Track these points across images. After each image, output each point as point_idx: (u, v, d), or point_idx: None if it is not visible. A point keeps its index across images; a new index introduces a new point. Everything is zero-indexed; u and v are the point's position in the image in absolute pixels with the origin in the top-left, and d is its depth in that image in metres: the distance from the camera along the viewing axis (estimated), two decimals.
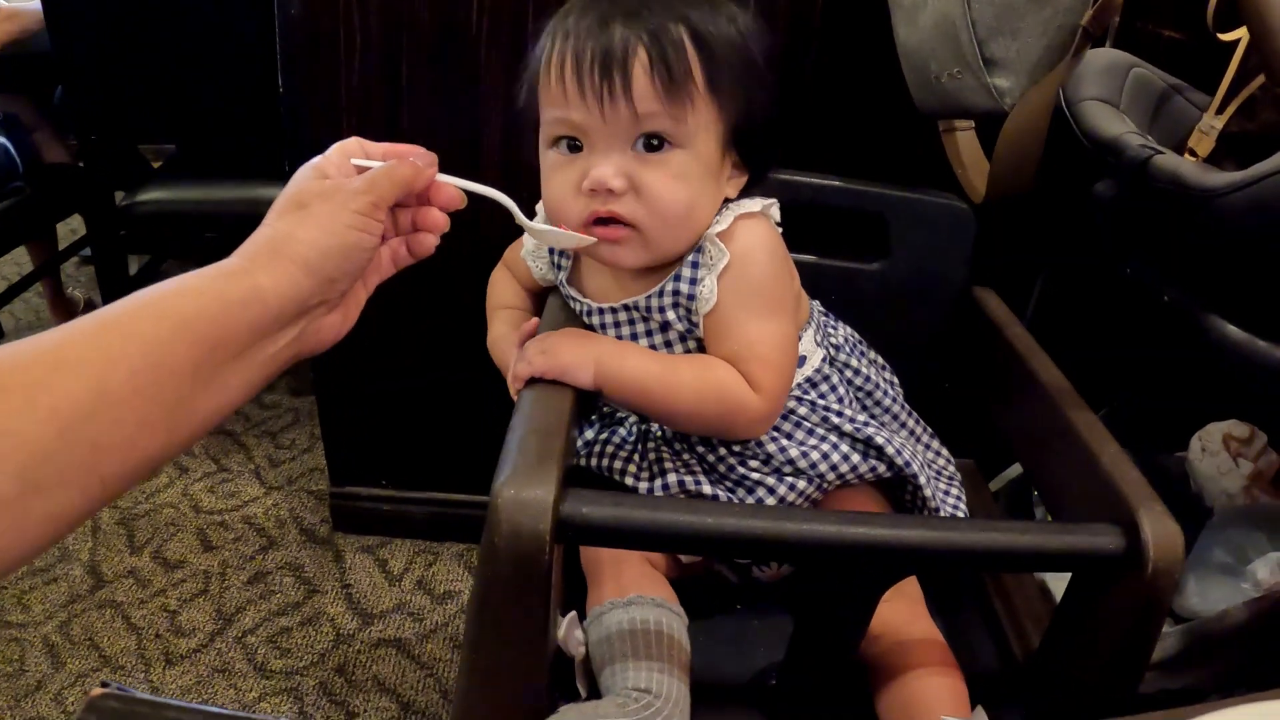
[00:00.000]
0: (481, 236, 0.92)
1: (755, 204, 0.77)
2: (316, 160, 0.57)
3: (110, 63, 1.64)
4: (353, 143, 0.59)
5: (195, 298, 0.47)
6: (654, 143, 0.70)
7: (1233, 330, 1.12)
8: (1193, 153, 1.11)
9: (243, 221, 1.69)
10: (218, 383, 0.47)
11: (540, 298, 0.89)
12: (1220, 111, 1.08)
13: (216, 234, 1.75)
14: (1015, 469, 1.35)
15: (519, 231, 0.73)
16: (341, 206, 0.53)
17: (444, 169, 0.62)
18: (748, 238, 0.75)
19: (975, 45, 0.91)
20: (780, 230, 0.79)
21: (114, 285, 1.80)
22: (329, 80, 1.24)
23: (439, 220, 0.62)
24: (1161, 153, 1.04)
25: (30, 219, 1.86)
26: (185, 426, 0.46)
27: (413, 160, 0.59)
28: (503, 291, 0.91)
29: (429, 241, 0.63)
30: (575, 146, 0.72)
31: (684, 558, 0.82)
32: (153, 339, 0.44)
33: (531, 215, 0.75)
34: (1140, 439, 1.54)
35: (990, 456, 1.11)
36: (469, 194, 0.64)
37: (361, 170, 0.57)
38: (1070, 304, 1.43)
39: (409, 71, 1.24)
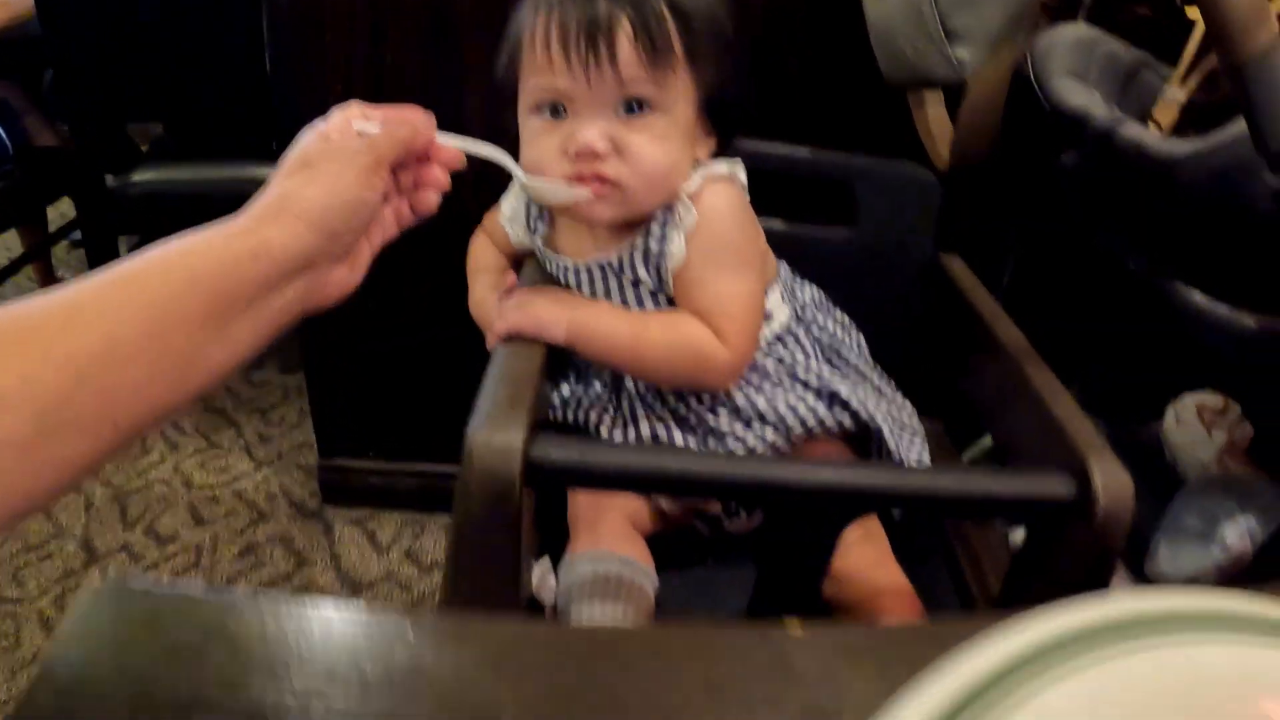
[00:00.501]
0: (465, 200, 0.96)
1: (723, 166, 0.82)
2: (319, 125, 0.60)
3: (100, 45, 1.68)
4: (353, 107, 0.62)
5: (204, 253, 0.49)
6: (635, 107, 0.75)
7: (1198, 297, 1.17)
8: (1157, 124, 1.15)
9: (234, 201, 1.73)
10: (227, 334, 0.49)
11: (518, 263, 0.93)
12: (1183, 83, 1.13)
13: (208, 215, 1.78)
14: (987, 440, 1.39)
15: (499, 195, 0.77)
16: (345, 165, 0.56)
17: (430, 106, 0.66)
18: (714, 198, 0.79)
19: (937, 18, 0.95)
20: (746, 191, 0.84)
21: (103, 262, 1.84)
22: (316, 59, 1.28)
23: (440, 178, 0.65)
24: (1126, 123, 1.09)
25: (20, 203, 1.91)
26: (196, 376, 0.48)
27: (411, 121, 0.62)
28: (482, 256, 0.95)
29: (431, 199, 0.66)
30: (558, 112, 0.76)
31: (662, 510, 0.87)
32: (164, 292, 0.46)
33: (499, 183, 0.79)
34: (1116, 411, 1.59)
35: (958, 421, 1.16)
36: (468, 154, 0.67)
37: (362, 134, 0.60)
38: (1044, 276, 1.48)
39: (394, 51, 1.28)
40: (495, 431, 0.65)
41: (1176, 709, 0.25)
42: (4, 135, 1.84)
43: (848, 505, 0.74)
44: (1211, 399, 1.52)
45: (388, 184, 0.61)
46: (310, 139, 0.59)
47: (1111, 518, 0.70)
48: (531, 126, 0.78)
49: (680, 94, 0.76)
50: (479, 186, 0.87)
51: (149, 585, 0.42)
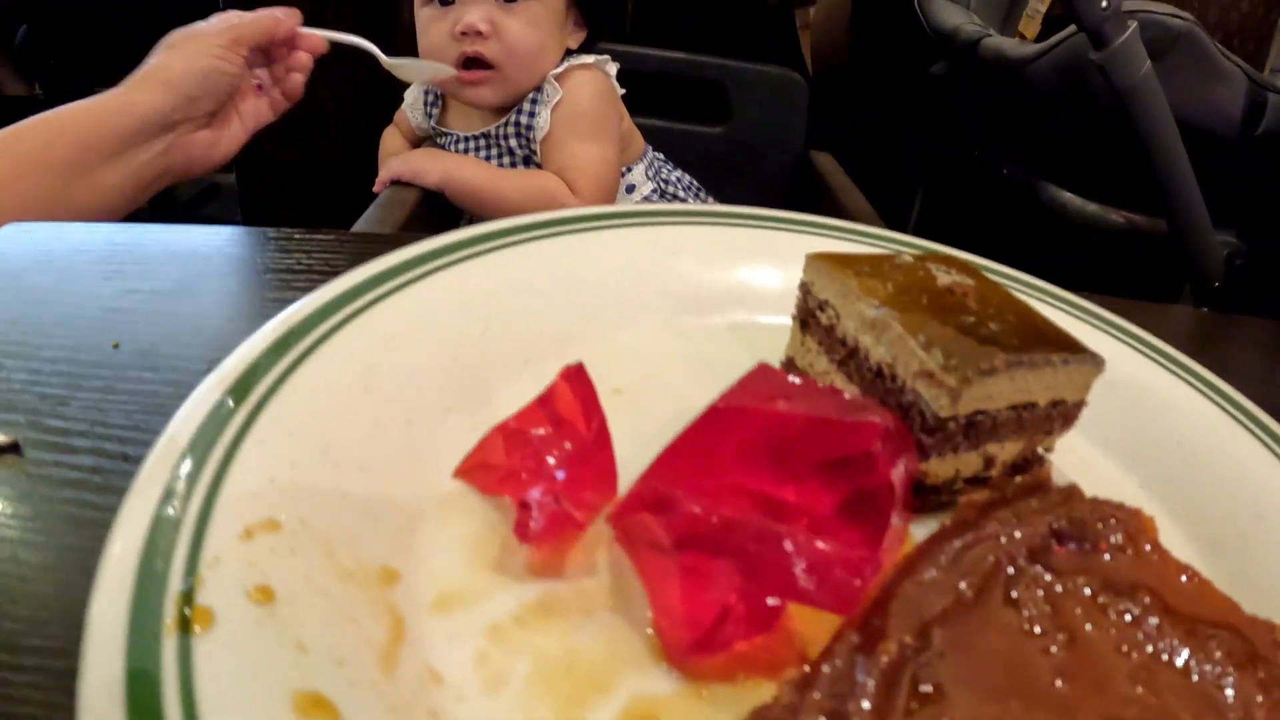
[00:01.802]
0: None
1: (590, 58, 0.96)
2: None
3: (76, 8, 1.84)
4: (230, 14, 0.74)
5: (75, 111, 0.61)
6: None
7: (1066, 196, 1.30)
8: (1022, 36, 1.29)
9: None
10: (93, 180, 0.60)
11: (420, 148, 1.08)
12: None
13: None
14: None
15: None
16: (205, 42, 0.69)
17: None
18: (580, 78, 0.94)
19: None
20: (614, 81, 0.98)
21: None
22: None
23: (302, 60, 0.78)
24: (990, 35, 1.23)
25: None
26: (64, 213, 0.58)
27: (274, 13, 0.74)
28: (389, 143, 1.10)
29: (296, 81, 0.78)
30: (446, 1, 0.91)
31: None
32: (35, 138, 0.57)
33: None
34: None
35: None
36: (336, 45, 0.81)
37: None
38: (952, 209, 1.61)
39: None
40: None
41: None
42: None
43: None
44: None
45: (263, 78, 0.74)
46: (182, 30, 0.71)
47: None
48: (423, 16, 0.93)
49: None
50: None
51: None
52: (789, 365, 0.36)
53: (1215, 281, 1.28)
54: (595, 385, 0.31)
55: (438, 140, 1.02)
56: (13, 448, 0.34)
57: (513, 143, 0.96)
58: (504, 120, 0.95)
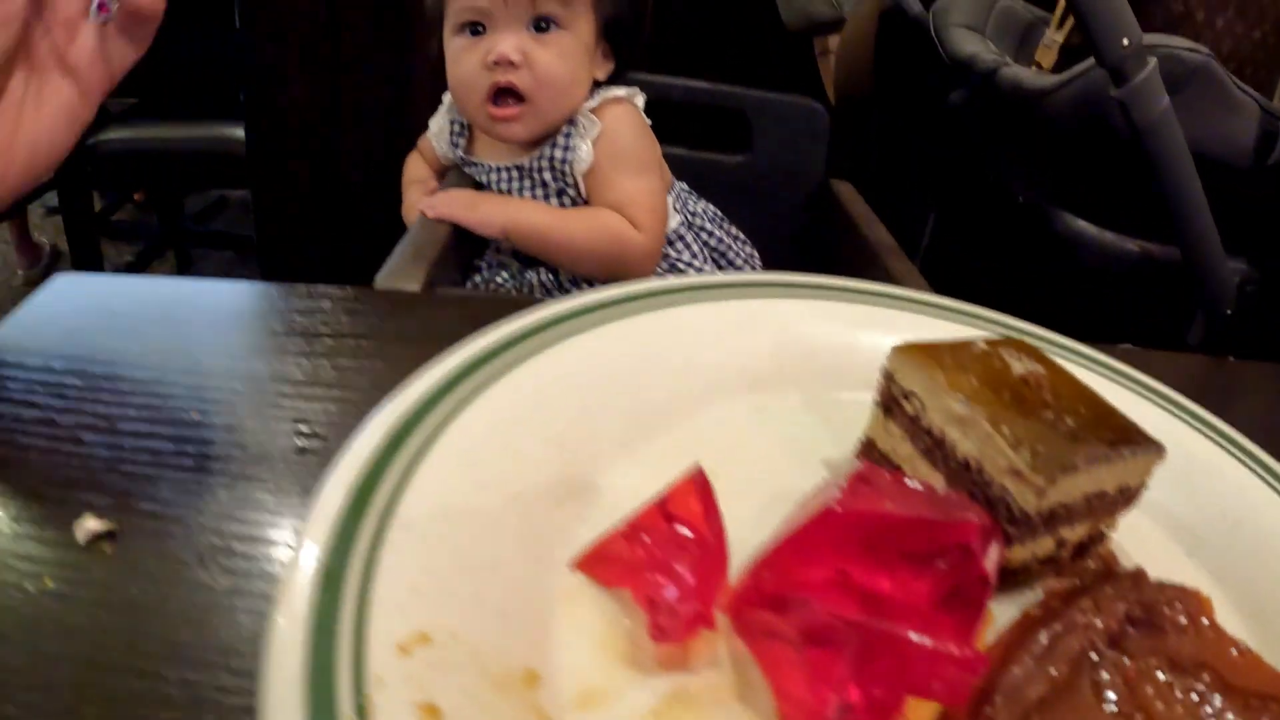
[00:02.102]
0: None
1: (622, 90, 0.98)
2: None
3: None
4: None
5: None
6: (544, 25, 0.92)
7: (1081, 224, 1.33)
8: (1039, 65, 1.31)
9: (202, 157, 1.89)
10: None
11: (444, 176, 1.09)
12: (1060, 27, 1.29)
13: (177, 170, 1.96)
14: None
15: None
16: None
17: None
18: (616, 112, 0.97)
19: None
20: (643, 113, 1.00)
21: (80, 222, 2.02)
22: (278, 14, 1.45)
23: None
24: (1008, 65, 1.25)
25: None
26: None
27: None
28: (413, 169, 1.12)
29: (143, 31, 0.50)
30: (478, 31, 0.93)
31: None
32: None
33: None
34: None
35: None
36: None
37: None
38: (963, 234, 1.63)
39: (351, 12, 1.45)
40: (395, 279, 0.80)
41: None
42: None
43: None
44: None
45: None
46: None
47: None
48: (455, 45, 0.95)
49: (582, 15, 0.93)
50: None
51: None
52: (869, 446, 0.38)
53: (1227, 308, 1.30)
54: (679, 467, 0.32)
55: (465, 170, 1.04)
56: (108, 535, 0.35)
57: (547, 175, 0.97)
58: (538, 154, 0.97)
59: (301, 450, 0.40)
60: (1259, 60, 1.42)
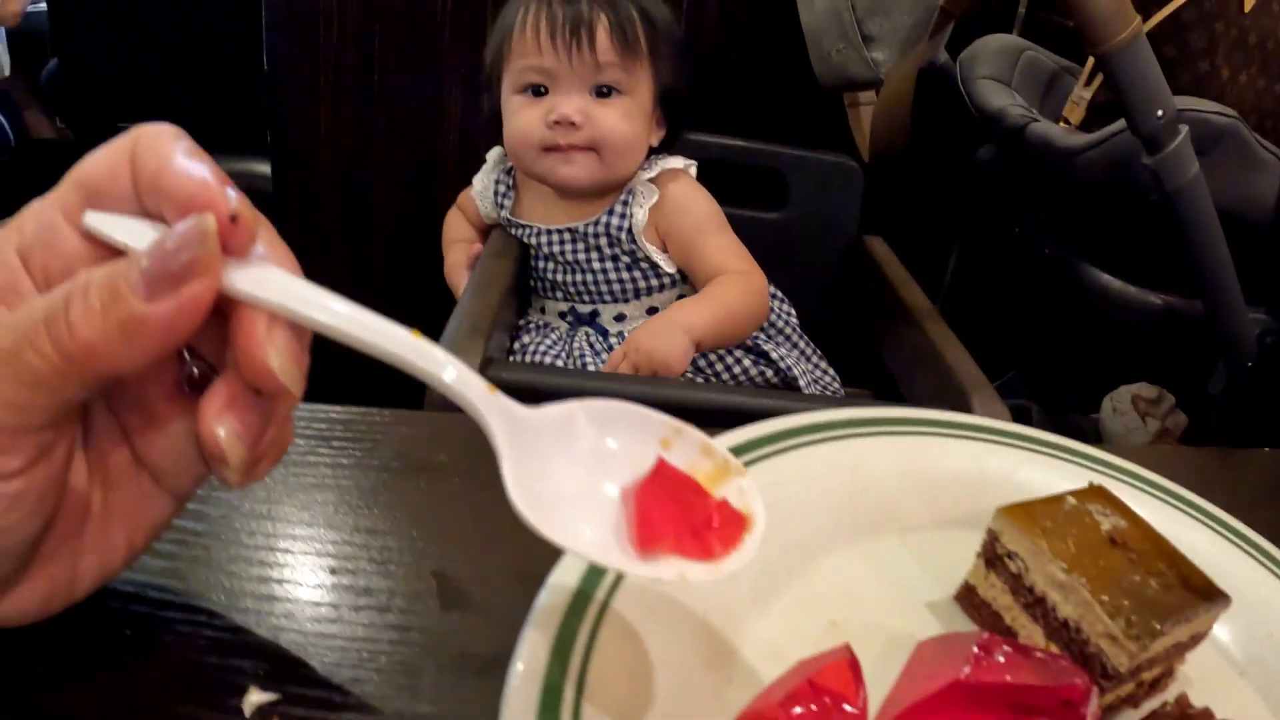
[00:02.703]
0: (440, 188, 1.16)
1: (679, 161, 1.04)
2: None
3: (106, 45, 1.89)
4: (98, 161, 0.32)
5: None
6: (605, 90, 0.97)
7: (1106, 278, 1.37)
8: (1066, 121, 1.36)
9: None
10: None
11: (486, 235, 1.13)
12: (1088, 84, 1.34)
13: None
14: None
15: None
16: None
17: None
18: (677, 181, 1.03)
19: (855, 24, 1.16)
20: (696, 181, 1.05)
21: None
22: (309, 59, 1.49)
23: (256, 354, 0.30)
24: (1037, 120, 1.30)
25: (19, 191, 2.11)
26: None
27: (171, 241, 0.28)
28: (455, 227, 1.16)
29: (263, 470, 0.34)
30: (540, 91, 0.98)
31: None
32: None
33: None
34: (1056, 400, 1.80)
35: (884, 389, 1.36)
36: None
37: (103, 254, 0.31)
38: (987, 271, 1.68)
39: (381, 52, 1.49)
40: (455, 355, 0.84)
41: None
42: (5, 124, 2.04)
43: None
44: (1147, 390, 1.71)
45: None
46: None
47: None
48: (514, 103, 1.00)
49: (643, 82, 0.99)
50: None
51: None
52: (969, 590, 0.42)
53: (1249, 361, 1.35)
54: (806, 617, 0.37)
55: (512, 231, 1.08)
56: (272, 707, 0.35)
57: (602, 240, 1.02)
58: (593, 219, 1.02)
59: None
60: (1279, 113, 1.47)
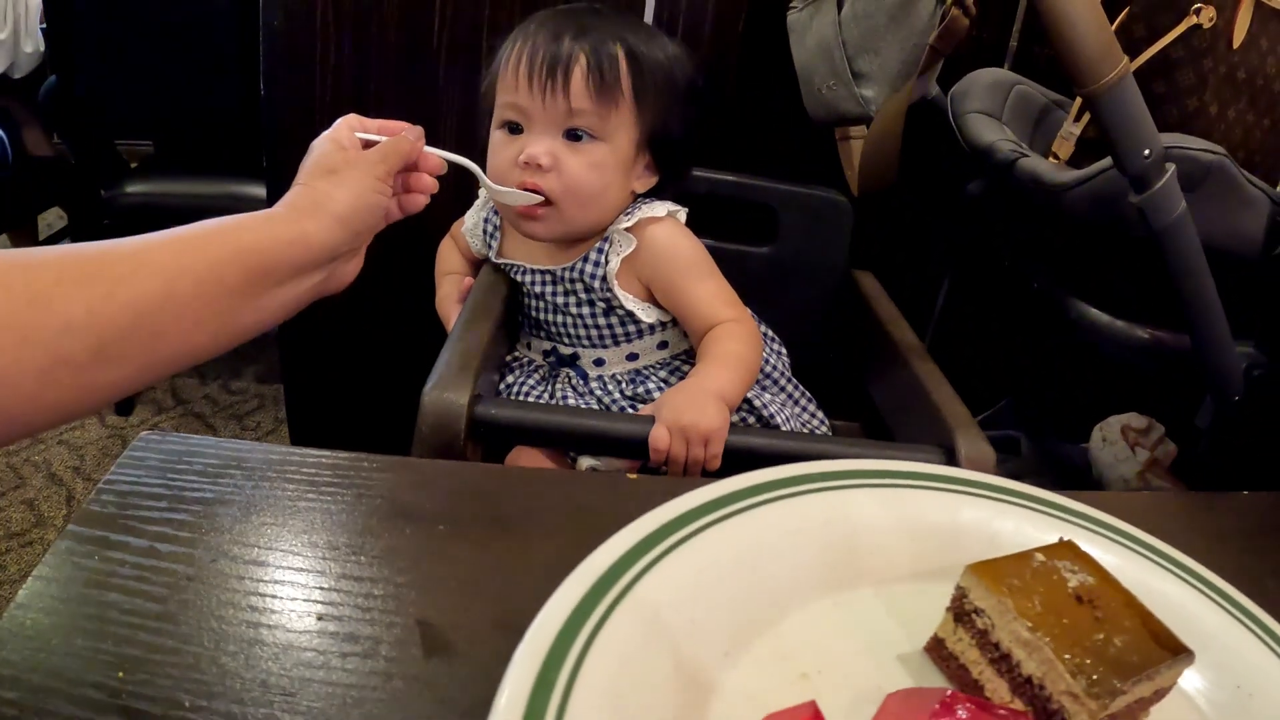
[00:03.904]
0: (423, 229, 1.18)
1: (661, 208, 1.03)
2: (330, 134, 0.72)
3: (102, 64, 1.91)
4: (353, 118, 0.74)
5: (253, 231, 0.58)
6: (578, 135, 0.96)
7: (1094, 313, 1.39)
8: (1055, 156, 1.38)
9: (220, 214, 1.93)
10: (259, 303, 0.58)
11: (478, 267, 1.15)
12: (1077, 120, 1.36)
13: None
14: None
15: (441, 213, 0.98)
16: (365, 173, 0.69)
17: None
18: (657, 229, 1.01)
19: (845, 61, 1.19)
20: (685, 227, 1.05)
21: None
22: (305, 88, 1.51)
23: (429, 184, 0.80)
24: (1027, 155, 1.32)
25: (17, 208, 2.14)
26: (228, 333, 0.57)
27: (407, 135, 0.75)
28: (448, 259, 1.17)
29: (420, 200, 0.80)
30: (516, 130, 0.98)
31: None
32: (216, 258, 0.55)
33: (468, 197, 1.01)
34: (1046, 430, 1.82)
35: (873, 423, 1.37)
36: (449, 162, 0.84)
37: (366, 143, 0.73)
38: (978, 302, 1.70)
39: (376, 80, 1.51)
40: (445, 391, 0.85)
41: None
42: (5, 141, 2.06)
43: (748, 465, 0.94)
44: (1136, 420, 1.73)
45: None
46: (327, 148, 0.70)
47: None
48: (495, 139, 1.01)
49: (621, 127, 0.98)
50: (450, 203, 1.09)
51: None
52: (938, 644, 0.43)
53: (1236, 395, 1.37)
54: (778, 669, 0.38)
55: (501, 267, 1.09)
56: None
57: (577, 286, 1.03)
58: (570, 265, 1.02)
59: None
60: (1269, 148, 1.49)
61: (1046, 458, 1.86)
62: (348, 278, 0.72)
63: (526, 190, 0.97)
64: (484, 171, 1.02)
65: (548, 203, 0.97)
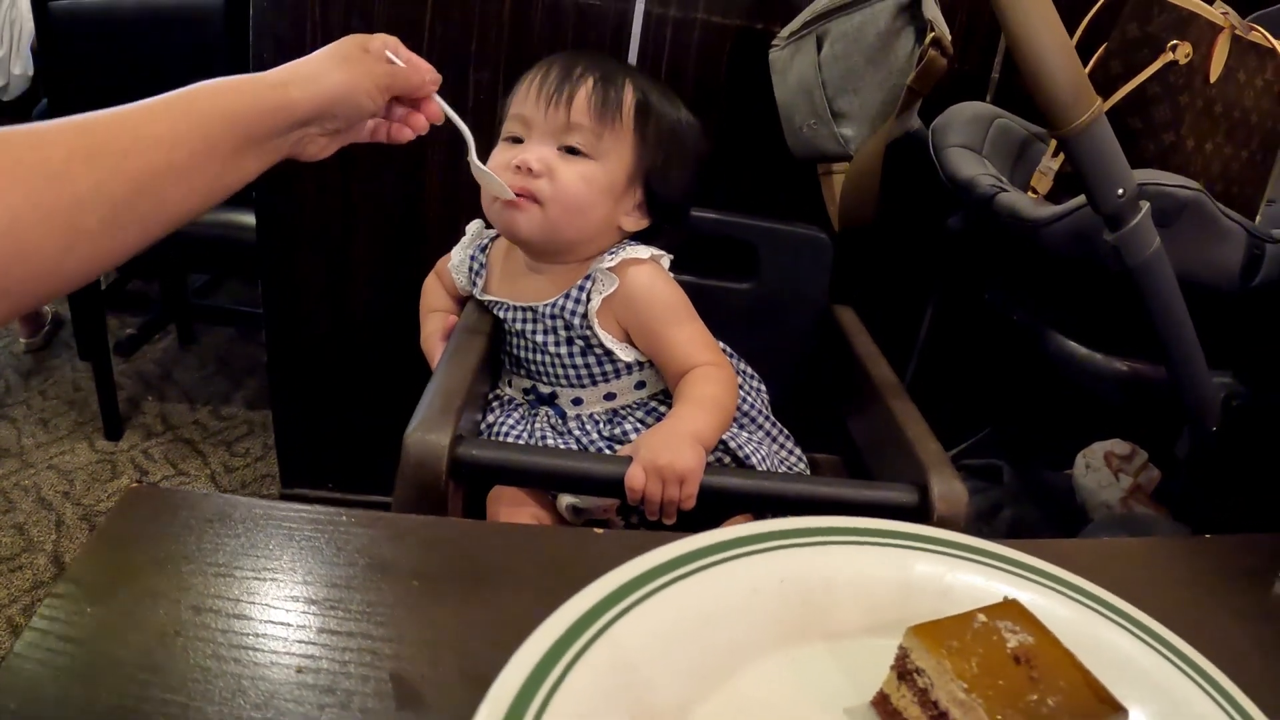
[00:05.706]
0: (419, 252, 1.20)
1: (644, 251, 1.06)
2: (366, 36, 0.78)
3: (96, 85, 1.94)
4: (393, 39, 0.80)
5: (241, 97, 0.65)
6: (573, 150, 1.01)
7: (1073, 345, 1.42)
8: (1034, 190, 1.41)
9: (211, 242, 1.95)
10: (242, 163, 0.65)
11: (462, 304, 1.18)
12: (1056, 154, 1.39)
13: (184, 252, 2.03)
14: None
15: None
16: (367, 73, 0.75)
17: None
18: (638, 270, 1.04)
19: (825, 101, 1.22)
20: (668, 271, 1.08)
21: (85, 294, 2.09)
22: None
23: (421, 124, 0.85)
24: (1006, 190, 1.35)
25: None
26: (216, 193, 0.63)
27: (423, 73, 0.82)
28: (433, 296, 1.20)
29: (406, 134, 0.86)
30: (518, 141, 1.02)
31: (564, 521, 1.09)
32: (209, 127, 0.61)
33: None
34: (1030, 457, 1.85)
35: (854, 457, 1.40)
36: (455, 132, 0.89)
37: (390, 62, 0.79)
38: (961, 332, 1.73)
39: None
40: (427, 432, 0.88)
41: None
42: None
43: (724, 503, 0.97)
44: (1120, 446, 1.76)
45: (381, 107, 0.80)
46: (355, 43, 0.77)
47: (946, 521, 0.92)
48: (497, 149, 1.05)
49: (615, 151, 1.02)
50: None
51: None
52: (884, 699, 0.46)
53: (1213, 425, 1.40)
54: None
55: (485, 305, 1.12)
56: None
57: (558, 323, 1.06)
58: (552, 301, 1.05)
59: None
60: (1246, 178, 1.52)
61: (1028, 485, 1.89)
62: (318, 153, 0.77)
63: (515, 191, 1.00)
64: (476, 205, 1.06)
65: (536, 201, 1.01)
